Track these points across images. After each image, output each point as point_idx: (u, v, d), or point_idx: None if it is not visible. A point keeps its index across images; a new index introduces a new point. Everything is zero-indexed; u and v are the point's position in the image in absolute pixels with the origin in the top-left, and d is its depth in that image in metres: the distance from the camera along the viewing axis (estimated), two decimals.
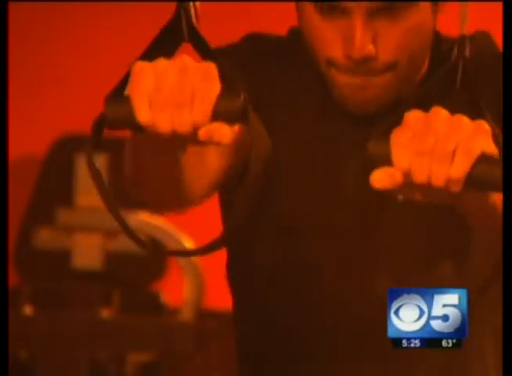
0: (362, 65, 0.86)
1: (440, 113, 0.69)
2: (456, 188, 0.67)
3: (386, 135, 0.69)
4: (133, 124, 0.71)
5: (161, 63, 0.70)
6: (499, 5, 0.87)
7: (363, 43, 0.84)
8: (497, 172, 0.67)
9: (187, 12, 0.76)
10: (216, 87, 0.69)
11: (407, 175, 0.68)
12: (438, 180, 0.67)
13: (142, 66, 0.71)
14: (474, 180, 0.68)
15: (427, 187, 0.68)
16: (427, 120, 0.69)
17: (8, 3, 1.04)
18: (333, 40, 0.88)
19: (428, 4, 0.89)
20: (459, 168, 0.67)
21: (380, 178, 0.68)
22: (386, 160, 0.69)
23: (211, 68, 0.70)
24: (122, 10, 3.46)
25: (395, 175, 0.68)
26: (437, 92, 0.77)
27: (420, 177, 0.67)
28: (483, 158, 0.68)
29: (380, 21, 0.85)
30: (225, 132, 0.70)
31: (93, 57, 3.47)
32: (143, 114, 0.68)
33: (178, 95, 0.67)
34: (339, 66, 0.89)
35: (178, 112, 0.67)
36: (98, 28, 3.50)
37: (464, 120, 0.68)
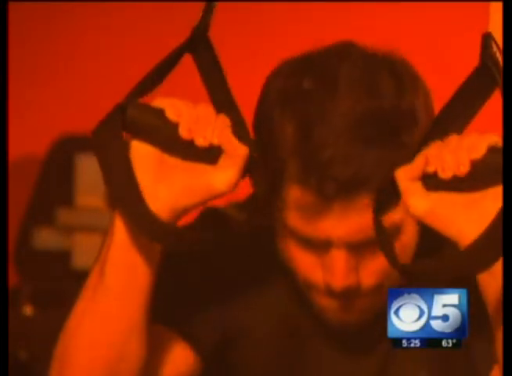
0: (344, 293, 0.83)
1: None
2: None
3: None
4: (156, 132, 0.79)
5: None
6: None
7: (344, 275, 0.81)
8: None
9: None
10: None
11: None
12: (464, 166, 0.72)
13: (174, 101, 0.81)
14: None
15: None
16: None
17: (7, 3, 1.04)
18: (312, 265, 0.84)
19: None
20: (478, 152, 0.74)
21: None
22: None
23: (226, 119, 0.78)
24: (123, 10, 3.46)
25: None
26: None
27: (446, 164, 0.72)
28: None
29: (363, 250, 0.83)
30: (243, 148, 0.75)
31: (93, 57, 3.47)
32: (185, 129, 0.77)
33: (207, 119, 0.77)
34: (319, 290, 0.86)
35: (210, 130, 0.76)
36: (98, 28, 3.50)
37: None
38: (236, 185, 0.78)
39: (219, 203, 0.98)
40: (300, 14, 3.36)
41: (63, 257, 3.17)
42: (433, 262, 0.84)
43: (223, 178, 0.77)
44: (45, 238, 3.18)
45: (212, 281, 0.91)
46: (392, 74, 0.81)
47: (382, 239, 0.76)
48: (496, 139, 0.76)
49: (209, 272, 0.91)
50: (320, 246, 0.82)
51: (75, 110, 3.36)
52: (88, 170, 3.08)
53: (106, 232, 0.85)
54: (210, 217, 0.95)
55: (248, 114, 0.85)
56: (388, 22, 3.93)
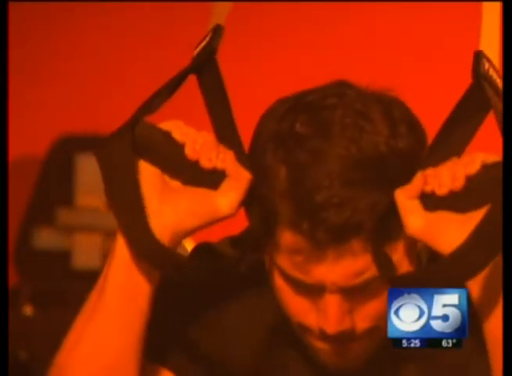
0: (338, 337, 0.81)
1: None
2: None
3: None
4: (163, 153, 0.82)
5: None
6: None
7: (338, 319, 0.79)
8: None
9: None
10: None
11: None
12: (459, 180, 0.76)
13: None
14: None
15: None
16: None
17: (8, 3, 1.04)
18: (305, 309, 0.82)
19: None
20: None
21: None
22: None
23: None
24: (123, 10, 3.46)
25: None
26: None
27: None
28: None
29: (358, 294, 0.81)
30: (246, 173, 0.77)
31: (93, 57, 3.48)
32: (191, 149, 0.80)
33: (212, 143, 0.81)
34: (313, 333, 0.83)
35: (215, 153, 0.79)
36: (98, 28, 3.50)
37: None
38: (238, 208, 0.78)
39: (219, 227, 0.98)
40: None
41: (63, 257, 3.17)
42: (417, 273, 0.84)
43: (226, 202, 0.77)
44: (45, 238, 3.18)
45: (203, 317, 0.89)
46: (387, 115, 0.80)
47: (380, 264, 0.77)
48: (492, 157, 0.79)
49: (200, 307, 0.90)
50: (313, 290, 0.80)
51: (75, 110, 3.36)
52: (88, 170, 3.07)
53: (106, 232, 0.86)
54: (204, 251, 0.94)
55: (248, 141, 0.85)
56: (385, 25, 3.94)
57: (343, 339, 0.81)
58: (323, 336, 0.81)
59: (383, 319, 0.81)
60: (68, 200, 3.21)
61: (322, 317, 0.80)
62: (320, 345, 0.83)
